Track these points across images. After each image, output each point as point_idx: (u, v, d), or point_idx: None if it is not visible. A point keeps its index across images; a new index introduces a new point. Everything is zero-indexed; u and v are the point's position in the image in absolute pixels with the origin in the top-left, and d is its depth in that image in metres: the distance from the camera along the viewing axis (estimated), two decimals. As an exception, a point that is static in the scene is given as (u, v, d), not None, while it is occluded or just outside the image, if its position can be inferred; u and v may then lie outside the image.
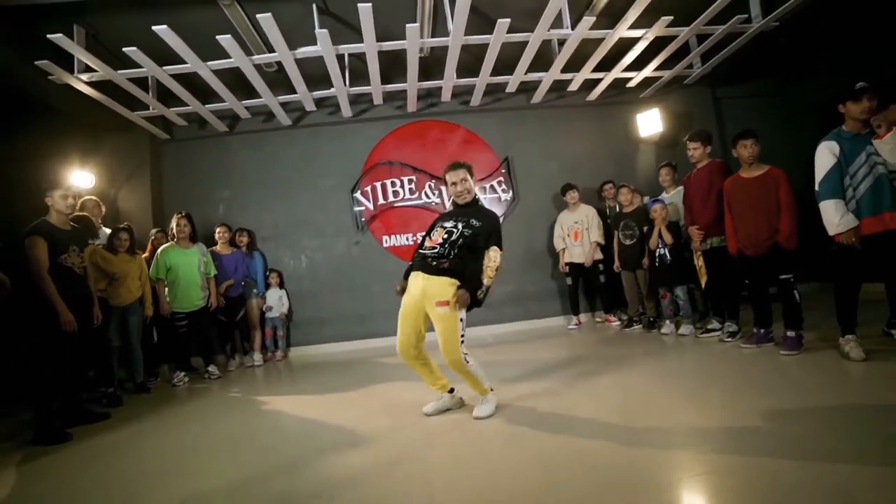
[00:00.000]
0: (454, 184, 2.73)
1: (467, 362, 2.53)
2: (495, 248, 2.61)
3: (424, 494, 1.74)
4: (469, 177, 2.73)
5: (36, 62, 3.92)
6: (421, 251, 2.68)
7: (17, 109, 4.90)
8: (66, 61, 4.12)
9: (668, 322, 4.47)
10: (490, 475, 1.85)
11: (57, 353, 3.11)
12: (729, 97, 6.33)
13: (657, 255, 4.46)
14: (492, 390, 2.68)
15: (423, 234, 2.80)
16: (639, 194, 5.12)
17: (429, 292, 2.52)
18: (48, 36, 3.70)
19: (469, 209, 2.74)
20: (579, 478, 1.74)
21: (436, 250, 2.58)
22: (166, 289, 4.51)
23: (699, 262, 4.14)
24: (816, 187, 3.01)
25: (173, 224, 4.63)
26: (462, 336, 2.51)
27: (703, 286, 4.16)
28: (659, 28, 4.53)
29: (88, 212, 4.25)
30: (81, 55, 3.98)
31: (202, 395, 4.02)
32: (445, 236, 2.60)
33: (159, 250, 4.58)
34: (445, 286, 2.49)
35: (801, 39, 5.30)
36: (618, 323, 5.27)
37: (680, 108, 6.11)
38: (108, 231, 4.47)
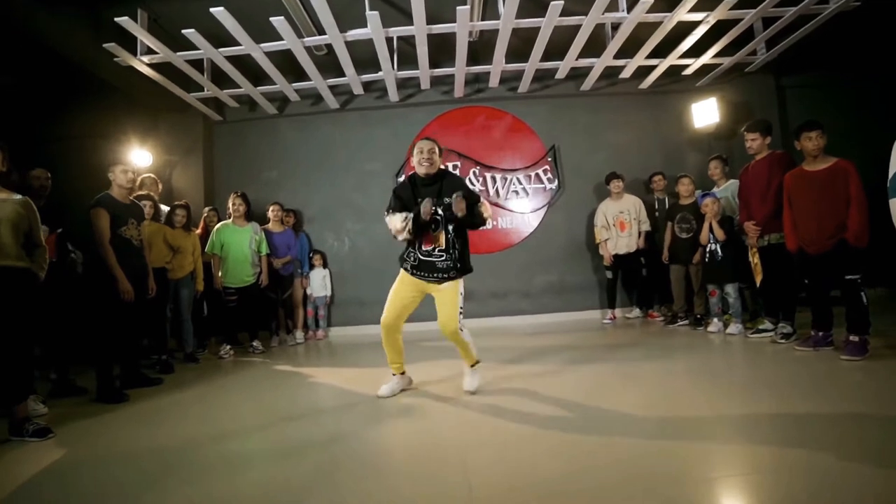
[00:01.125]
0: (423, 150, 2.76)
1: (462, 330, 2.76)
2: (484, 203, 2.82)
3: (460, 474, 1.74)
4: (439, 151, 2.81)
5: (104, 45, 4.10)
6: (419, 254, 2.77)
7: (84, 89, 5.18)
8: (129, 44, 4.30)
9: (715, 320, 4.31)
10: (516, 463, 1.84)
11: (117, 320, 3.30)
12: (794, 86, 5.96)
13: (707, 250, 4.29)
14: (478, 362, 2.94)
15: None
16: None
17: (433, 292, 2.79)
18: (116, 19, 3.87)
19: (436, 185, 2.79)
20: (604, 468, 1.71)
21: (442, 258, 2.74)
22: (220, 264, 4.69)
23: (754, 259, 3.95)
24: (888, 183, 2.81)
25: (229, 202, 4.79)
26: (461, 310, 2.77)
27: (757, 284, 3.98)
28: (722, 10, 4.29)
29: (147, 188, 4.45)
30: (144, 37, 4.14)
31: (247, 367, 4.18)
32: (435, 231, 2.74)
33: (215, 227, 4.75)
34: (447, 289, 2.77)
35: (880, 23, 4.92)
36: (661, 318, 5.12)
37: (739, 97, 5.80)
38: (165, 208, 4.68)
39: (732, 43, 4.96)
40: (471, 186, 2.84)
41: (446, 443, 2.12)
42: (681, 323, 4.74)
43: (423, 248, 2.78)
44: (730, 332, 4.11)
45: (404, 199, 2.81)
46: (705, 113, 5.65)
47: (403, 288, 2.83)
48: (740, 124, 5.61)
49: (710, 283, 4.35)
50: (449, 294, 2.76)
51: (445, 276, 2.75)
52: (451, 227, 2.75)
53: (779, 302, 3.78)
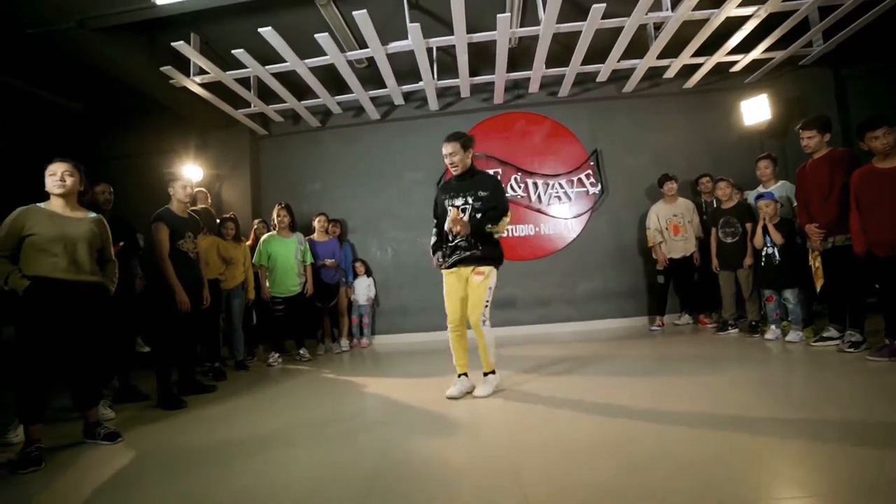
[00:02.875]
0: (446, 155, 2.97)
1: (484, 323, 2.90)
2: (503, 220, 2.95)
3: (513, 481, 1.72)
4: (461, 150, 2.94)
5: (161, 68, 4.32)
6: (449, 244, 2.97)
7: (140, 110, 5.47)
8: (181, 66, 4.51)
9: (773, 327, 4.10)
10: (571, 469, 1.81)
11: (175, 330, 3.44)
12: (855, 77, 5.62)
13: (763, 254, 4.10)
14: (493, 372, 3.02)
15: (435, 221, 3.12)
16: (738, 189, 4.70)
17: (466, 276, 2.96)
18: (173, 44, 4.08)
19: (469, 180, 3.00)
20: (662, 480, 1.65)
21: (465, 238, 2.90)
22: (267, 274, 4.83)
23: (816, 263, 3.76)
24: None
25: (274, 214, 4.93)
26: (487, 302, 2.92)
27: (817, 290, 3.77)
28: (774, 3, 4.11)
29: (201, 202, 4.64)
30: (198, 60, 4.33)
31: (296, 375, 4.26)
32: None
33: (261, 239, 4.89)
34: (477, 281, 2.91)
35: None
36: (713, 325, 4.93)
37: (792, 92, 5.54)
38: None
39: (784, 36, 4.74)
40: (506, 192, 3.04)
41: (498, 450, 2.10)
42: (731, 330, 4.54)
43: (449, 238, 2.99)
44: (789, 339, 3.91)
45: (438, 203, 3.10)
46: (755, 110, 5.42)
47: (450, 284, 3.02)
48: (795, 121, 5.36)
49: (766, 288, 4.15)
50: (478, 284, 2.92)
51: (469, 253, 2.92)
52: (477, 215, 2.90)
53: (846, 308, 3.56)
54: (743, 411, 2.35)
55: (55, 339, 2.42)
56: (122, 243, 3.64)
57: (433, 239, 3.12)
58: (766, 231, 4.04)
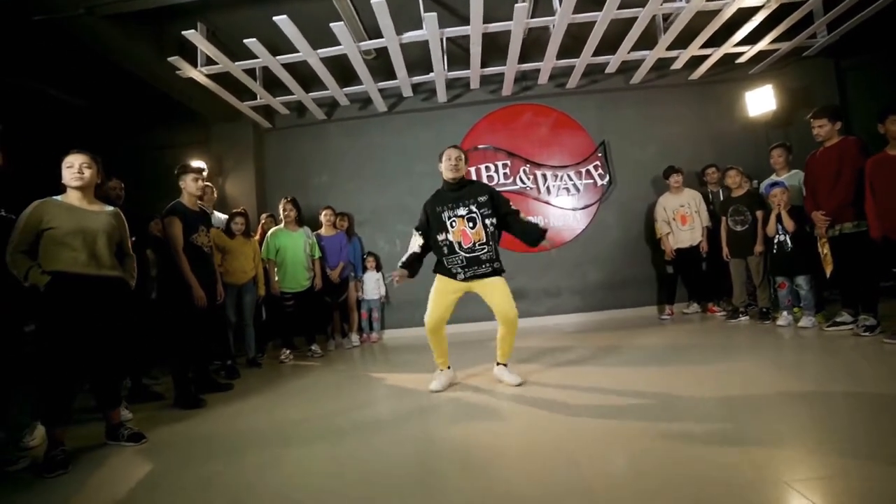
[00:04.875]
0: (453, 159, 3.02)
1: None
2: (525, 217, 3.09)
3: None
4: (464, 159, 3.08)
5: (168, 59, 4.22)
6: (463, 254, 2.94)
7: (146, 103, 5.33)
8: (188, 56, 4.41)
9: (784, 313, 4.16)
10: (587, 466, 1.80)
11: (192, 327, 3.37)
12: (855, 68, 5.72)
13: (776, 241, 4.15)
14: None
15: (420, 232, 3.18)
16: (747, 178, 4.76)
17: (476, 288, 2.99)
18: (183, 33, 3.99)
19: (464, 189, 3.05)
20: (667, 467, 1.67)
21: (484, 251, 2.93)
22: (276, 269, 4.76)
23: (824, 250, 3.81)
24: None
25: (280, 208, 4.86)
26: None
27: (826, 276, 3.83)
28: (784, -6, 4.16)
29: (207, 198, 4.56)
30: (207, 49, 4.23)
31: (309, 371, 4.19)
32: (473, 228, 2.93)
33: (269, 233, 4.82)
34: (496, 281, 2.96)
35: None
36: (722, 314, 4.98)
37: (796, 83, 5.61)
38: (220, 215, 4.79)
39: (790, 28, 4.80)
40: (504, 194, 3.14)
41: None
42: (742, 318, 4.60)
43: (465, 246, 2.96)
44: (802, 325, 3.97)
45: (429, 213, 3.10)
46: (760, 101, 5.49)
47: (446, 292, 3.04)
48: (798, 111, 5.49)
49: (779, 275, 4.21)
50: (500, 284, 2.97)
51: (490, 267, 2.96)
52: (489, 222, 2.94)
53: (858, 293, 3.61)
54: (780, 387, 2.39)
55: (78, 336, 2.35)
56: (133, 238, 3.57)
57: (413, 251, 3.11)
58: (778, 219, 4.09)
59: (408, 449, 2.13)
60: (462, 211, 2.97)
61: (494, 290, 2.96)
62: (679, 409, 2.29)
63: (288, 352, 4.74)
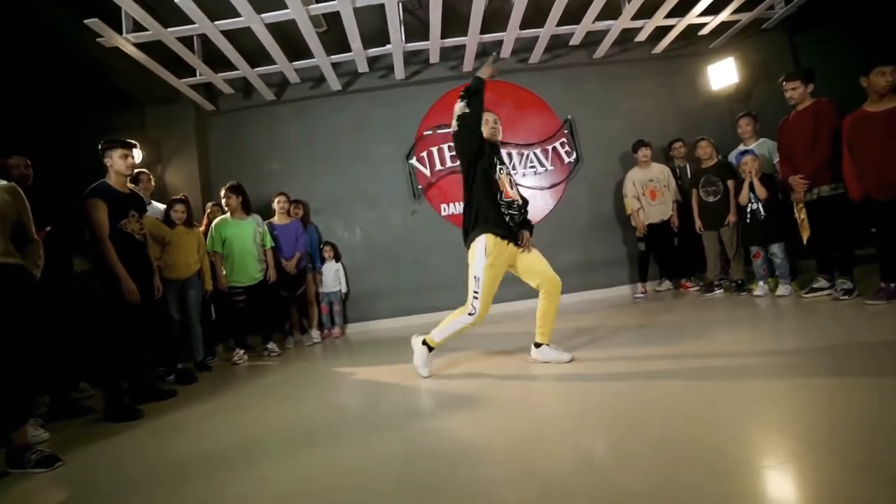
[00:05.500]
0: (487, 122, 2.70)
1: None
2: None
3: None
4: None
5: (85, 21, 3.68)
6: (514, 213, 2.63)
7: (68, 77, 4.72)
8: (113, 22, 3.88)
9: (761, 283, 4.09)
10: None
11: (123, 326, 2.91)
12: (808, 43, 5.79)
13: (748, 210, 4.08)
14: None
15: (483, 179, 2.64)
16: (716, 149, 4.70)
17: (517, 259, 2.71)
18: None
19: (495, 150, 2.77)
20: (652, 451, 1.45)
21: (521, 209, 2.68)
22: (223, 262, 4.33)
23: (801, 215, 3.74)
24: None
25: (222, 196, 4.42)
26: None
27: (804, 241, 3.77)
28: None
29: (143, 185, 4.09)
30: (130, 9, 3.71)
31: (266, 372, 3.78)
32: (512, 189, 2.67)
33: (213, 223, 4.40)
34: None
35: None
36: (696, 288, 4.90)
37: (754, 56, 5.61)
38: (158, 205, 4.34)
39: (748, 1, 4.84)
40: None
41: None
42: (717, 291, 4.51)
43: (505, 199, 2.63)
44: (780, 293, 3.90)
45: (479, 146, 2.65)
46: (722, 74, 5.49)
47: (501, 262, 2.63)
48: (758, 84, 5.50)
49: (752, 244, 4.13)
50: (536, 251, 2.76)
51: (519, 223, 2.69)
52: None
53: (834, 258, 3.56)
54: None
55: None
56: (48, 228, 3.08)
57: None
58: (751, 187, 4.01)
59: (396, 449, 1.79)
60: (505, 169, 2.73)
61: (533, 255, 2.73)
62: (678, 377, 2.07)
63: (241, 352, 4.33)
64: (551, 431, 1.74)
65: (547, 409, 2.05)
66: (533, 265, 2.71)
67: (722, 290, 4.51)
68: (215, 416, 2.67)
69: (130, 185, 3.20)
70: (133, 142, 3.15)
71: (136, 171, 4.27)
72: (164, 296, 3.53)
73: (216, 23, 3.95)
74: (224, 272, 4.34)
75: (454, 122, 2.65)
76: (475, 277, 2.59)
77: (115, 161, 3.00)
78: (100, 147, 3.01)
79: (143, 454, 2.13)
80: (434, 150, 5.57)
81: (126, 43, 3.98)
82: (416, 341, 2.87)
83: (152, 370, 3.78)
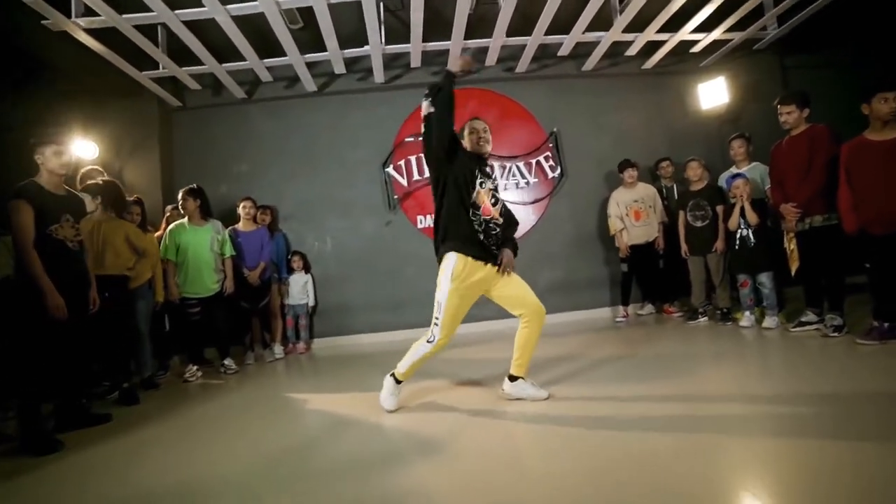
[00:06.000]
0: (475, 131, 2.47)
1: None
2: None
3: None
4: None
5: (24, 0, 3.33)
6: (485, 229, 2.37)
7: (9, 65, 4.34)
8: (61, 4, 3.55)
9: (747, 314, 3.91)
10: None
11: (46, 346, 2.59)
12: (797, 67, 5.70)
13: (738, 236, 3.90)
14: None
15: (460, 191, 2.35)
16: (708, 170, 4.53)
17: (492, 284, 2.46)
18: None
19: (487, 166, 2.56)
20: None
21: (498, 233, 2.44)
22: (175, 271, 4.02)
23: (791, 245, 3.57)
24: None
25: (179, 199, 4.10)
26: None
27: (792, 273, 3.60)
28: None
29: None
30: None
31: (220, 392, 3.50)
32: (495, 206, 2.42)
33: (168, 229, 4.08)
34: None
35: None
36: (679, 315, 4.71)
37: (744, 77, 5.49)
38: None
39: (740, 21, 4.72)
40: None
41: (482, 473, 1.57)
42: (701, 319, 4.33)
43: (484, 217, 2.38)
44: (766, 325, 3.72)
45: (458, 154, 2.38)
46: (713, 94, 5.33)
47: (469, 288, 2.37)
48: (748, 105, 5.37)
49: (740, 272, 3.95)
50: (515, 276, 2.51)
51: (498, 246, 2.47)
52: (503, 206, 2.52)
53: (824, 291, 3.38)
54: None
55: None
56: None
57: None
58: (741, 212, 3.84)
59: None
60: (489, 183, 2.43)
61: (513, 280, 2.48)
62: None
63: (195, 368, 4.01)
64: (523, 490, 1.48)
65: (518, 462, 1.80)
66: (512, 291, 2.46)
67: (706, 318, 4.33)
68: (151, 448, 2.38)
69: (66, 186, 2.87)
70: (68, 136, 2.83)
71: (89, 167, 3.98)
72: (122, 306, 3.39)
73: (177, 12, 3.64)
74: (177, 281, 4.01)
75: (422, 125, 2.38)
76: (438, 302, 2.34)
77: (48, 158, 2.70)
78: (31, 142, 2.69)
79: (57, 500, 1.83)
80: (412, 158, 5.30)
81: (76, 28, 3.64)
82: (386, 377, 2.59)
83: (92, 388, 3.43)
